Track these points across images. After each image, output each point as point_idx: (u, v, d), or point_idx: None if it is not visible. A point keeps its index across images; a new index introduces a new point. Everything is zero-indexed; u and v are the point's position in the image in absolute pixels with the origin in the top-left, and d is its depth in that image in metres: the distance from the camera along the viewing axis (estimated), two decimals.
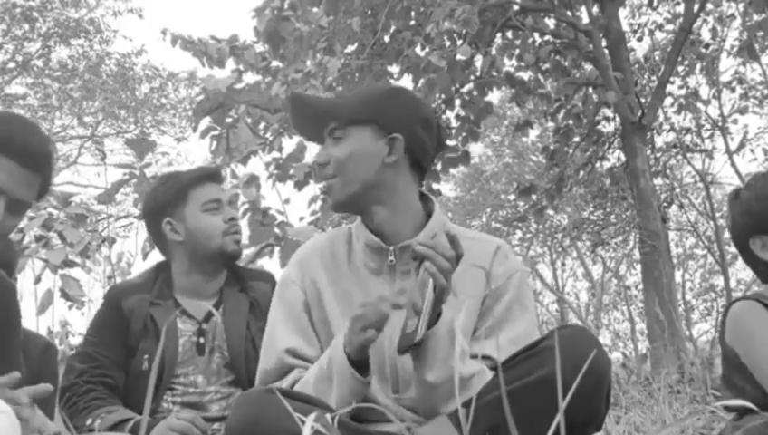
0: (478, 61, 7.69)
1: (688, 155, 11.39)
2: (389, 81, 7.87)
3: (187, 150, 26.65)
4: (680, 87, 10.14)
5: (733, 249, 15.53)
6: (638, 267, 11.48)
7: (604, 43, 8.04)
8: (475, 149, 14.45)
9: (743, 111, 10.59)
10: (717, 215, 12.55)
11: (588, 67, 8.35)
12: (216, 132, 6.62)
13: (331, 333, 1.64)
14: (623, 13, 9.50)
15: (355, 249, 1.71)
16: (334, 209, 1.72)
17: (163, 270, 2.30)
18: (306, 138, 1.79)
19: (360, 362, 1.51)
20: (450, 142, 8.21)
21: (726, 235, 14.21)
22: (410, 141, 1.66)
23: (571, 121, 8.70)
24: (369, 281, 1.67)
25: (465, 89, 7.97)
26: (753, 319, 1.87)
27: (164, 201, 2.27)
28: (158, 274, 2.28)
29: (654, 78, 9.53)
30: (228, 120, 6.72)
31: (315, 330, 1.67)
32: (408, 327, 1.47)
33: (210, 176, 2.30)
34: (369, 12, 7.57)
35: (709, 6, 8.58)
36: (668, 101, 9.99)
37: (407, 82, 7.76)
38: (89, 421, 2.01)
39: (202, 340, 2.18)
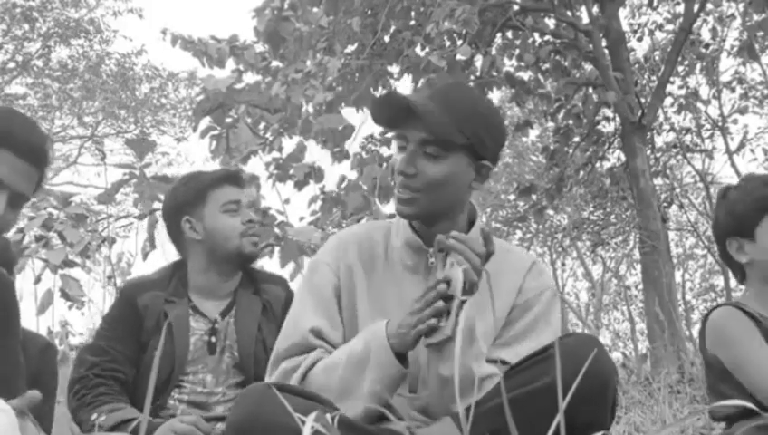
0: (478, 61, 7.69)
1: (688, 155, 11.39)
2: (390, 81, 7.88)
3: (187, 150, 26.65)
4: (680, 87, 10.14)
5: None
6: (638, 267, 11.49)
7: (604, 43, 8.04)
8: None
9: (743, 111, 10.60)
10: None
11: (588, 67, 8.35)
12: (216, 132, 6.61)
13: (357, 324, 1.64)
14: (623, 13, 9.51)
15: (393, 245, 1.70)
16: (407, 217, 1.66)
17: (179, 268, 2.31)
18: (380, 125, 1.73)
19: (399, 355, 1.51)
20: None
21: None
22: (493, 165, 1.67)
23: (571, 121, 8.70)
24: (404, 279, 1.67)
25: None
26: (735, 324, 1.87)
27: (184, 200, 2.29)
28: (174, 272, 2.30)
29: (654, 78, 9.53)
30: (228, 120, 6.72)
31: (342, 317, 1.67)
32: (436, 322, 1.47)
33: (230, 178, 2.32)
34: (369, 12, 7.57)
35: (709, 6, 8.59)
36: (668, 101, 9.99)
37: (407, 82, 7.76)
38: (94, 416, 2.02)
39: (213, 339, 2.19)
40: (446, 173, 1.59)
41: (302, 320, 1.65)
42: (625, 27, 8.97)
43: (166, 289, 2.24)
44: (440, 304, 1.45)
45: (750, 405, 0.96)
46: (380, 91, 7.87)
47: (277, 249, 4.80)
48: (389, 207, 6.08)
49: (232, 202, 2.26)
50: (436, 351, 1.51)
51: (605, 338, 16.77)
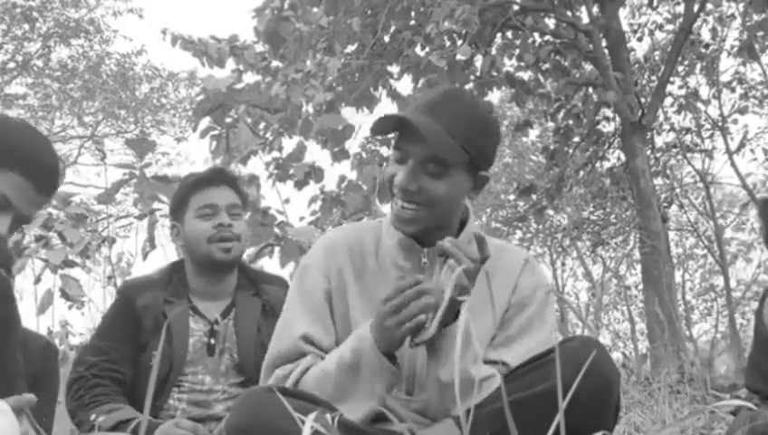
0: (478, 61, 7.69)
1: (688, 155, 11.39)
2: (389, 81, 7.88)
3: (187, 150, 26.67)
4: (680, 87, 10.14)
5: (732, 249, 15.57)
6: (638, 267, 11.48)
7: (604, 43, 8.04)
8: None
9: (743, 111, 10.59)
10: (717, 215, 12.56)
11: (588, 67, 8.35)
12: (216, 132, 6.62)
13: (350, 327, 1.63)
14: (623, 13, 9.50)
15: (384, 244, 1.69)
16: (406, 232, 1.63)
17: (179, 269, 2.31)
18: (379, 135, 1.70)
19: (388, 354, 1.50)
20: None
21: (726, 235, 14.22)
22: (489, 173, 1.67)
23: (571, 121, 8.70)
24: (396, 279, 1.64)
25: (465, 89, 7.96)
26: None
27: (172, 206, 2.32)
28: (173, 272, 2.30)
29: (654, 78, 9.52)
30: (228, 120, 6.72)
31: (334, 320, 1.66)
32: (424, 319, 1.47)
33: (210, 180, 2.28)
34: (369, 12, 7.57)
35: (709, 6, 8.59)
36: (668, 101, 9.99)
37: (407, 82, 7.76)
38: (92, 417, 2.02)
39: (213, 341, 2.19)
40: (448, 190, 1.58)
41: (294, 326, 1.64)
42: (625, 27, 8.97)
43: (165, 289, 2.23)
44: (427, 299, 1.44)
45: (750, 405, 0.96)
46: (380, 92, 7.88)
47: (277, 249, 4.80)
48: (389, 208, 6.07)
49: (206, 206, 2.23)
50: (430, 354, 1.51)
51: (605, 338, 16.76)
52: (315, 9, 7.20)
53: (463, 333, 1.48)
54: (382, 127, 1.59)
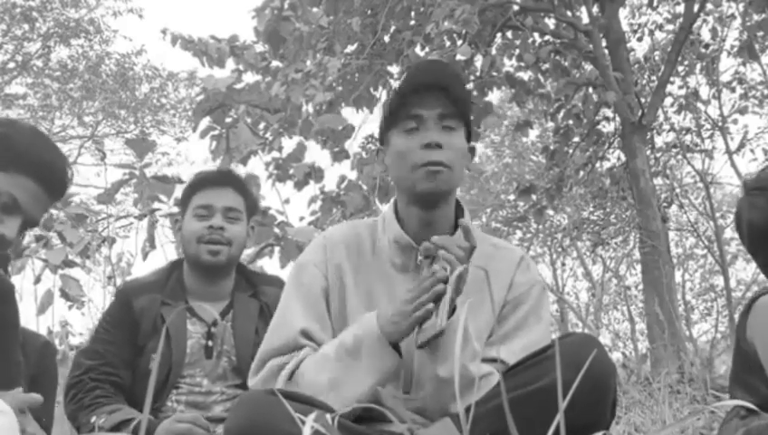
0: (478, 61, 7.69)
1: (688, 155, 11.39)
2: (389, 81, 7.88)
3: (187, 150, 26.67)
4: (680, 87, 10.13)
5: (732, 249, 15.57)
6: (638, 267, 11.49)
7: (604, 43, 8.04)
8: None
9: (743, 111, 10.58)
10: (717, 215, 12.56)
11: (588, 67, 8.34)
12: (216, 132, 6.62)
13: (347, 323, 1.63)
14: (623, 13, 9.50)
15: (381, 243, 1.70)
16: (437, 194, 1.61)
17: (176, 269, 2.30)
18: (397, 102, 1.67)
19: (393, 345, 1.51)
20: None
21: (726, 235, 14.23)
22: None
23: (571, 121, 8.69)
24: (393, 278, 1.66)
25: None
26: None
27: (180, 201, 2.34)
28: (171, 273, 2.29)
29: (654, 78, 9.52)
30: (228, 120, 6.72)
31: (330, 317, 1.66)
32: (426, 322, 1.47)
33: (212, 181, 2.28)
34: (369, 12, 7.58)
35: (709, 6, 8.58)
36: (668, 101, 9.99)
37: None
38: (93, 419, 2.02)
39: (210, 343, 2.18)
40: (461, 145, 1.63)
41: (292, 320, 1.64)
42: (625, 27, 8.97)
43: (162, 291, 2.22)
44: (440, 286, 1.46)
45: (751, 406, 0.96)
46: (380, 92, 7.88)
47: (277, 249, 4.80)
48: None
49: (201, 207, 2.23)
50: (430, 351, 1.51)
51: (605, 338, 16.75)
52: (315, 9, 7.20)
53: (462, 328, 1.49)
54: (425, 76, 1.62)
